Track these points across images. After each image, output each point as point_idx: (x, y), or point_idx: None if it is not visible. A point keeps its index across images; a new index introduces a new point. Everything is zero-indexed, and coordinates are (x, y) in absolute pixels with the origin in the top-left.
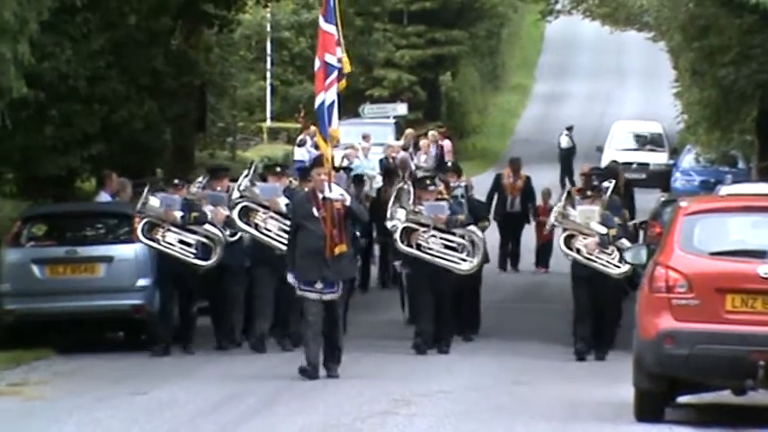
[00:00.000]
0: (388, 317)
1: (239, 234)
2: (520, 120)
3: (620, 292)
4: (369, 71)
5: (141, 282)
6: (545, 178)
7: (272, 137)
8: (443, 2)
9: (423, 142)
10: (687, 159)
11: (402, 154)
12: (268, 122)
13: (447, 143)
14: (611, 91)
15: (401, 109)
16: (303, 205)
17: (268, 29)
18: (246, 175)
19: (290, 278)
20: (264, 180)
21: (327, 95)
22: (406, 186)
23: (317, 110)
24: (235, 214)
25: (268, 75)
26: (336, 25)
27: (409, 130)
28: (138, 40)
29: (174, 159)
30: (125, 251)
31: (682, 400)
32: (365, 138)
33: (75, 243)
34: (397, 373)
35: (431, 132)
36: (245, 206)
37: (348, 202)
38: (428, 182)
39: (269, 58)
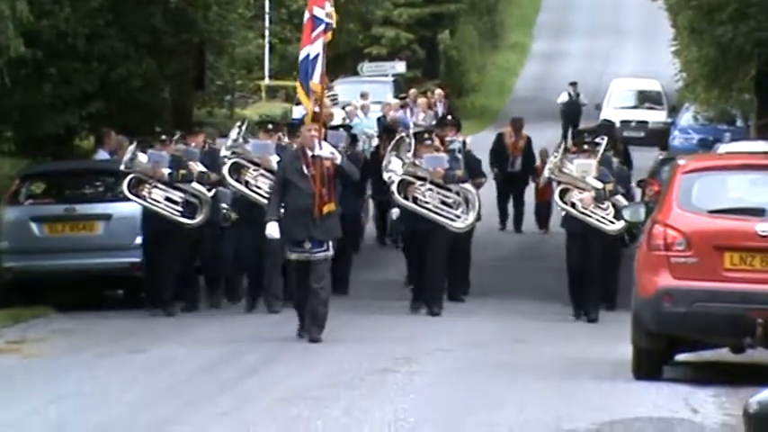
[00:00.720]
0: (386, 276)
1: (213, 191)
2: (518, 78)
3: (616, 249)
4: (367, 29)
5: (140, 239)
6: (544, 136)
7: (271, 95)
8: None
9: (420, 100)
10: (685, 117)
11: (392, 114)
12: (266, 80)
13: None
14: (609, 49)
15: (399, 67)
16: (292, 163)
17: None
18: (238, 132)
19: (271, 228)
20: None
21: (312, 48)
22: (406, 138)
23: (301, 63)
24: (225, 170)
25: (266, 32)
26: None
27: (413, 90)
28: None
29: (173, 117)
30: (124, 209)
31: (680, 357)
32: (363, 96)
33: (73, 201)
34: (397, 333)
35: (437, 91)
36: (235, 162)
37: (338, 161)
38: (426, 136)
39: (267, 16)
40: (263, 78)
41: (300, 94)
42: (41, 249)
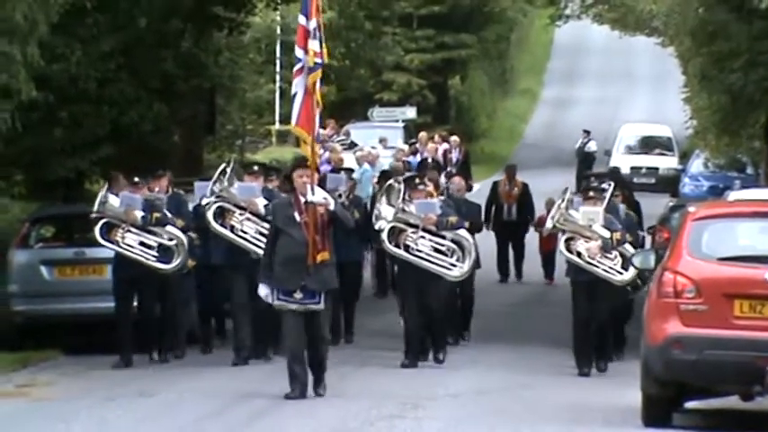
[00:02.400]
0: (387, 324)
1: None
2: (528, 124)
3: (624, 297)
4: (378, 75)
5: None
6: (553, 183)
7: (281, 140)
8: (453, 6)
9: (429, 146)
10: (696, 164)
11: (393, 162)
12: (277, 125)
13: (445, 146)
14: (620, 96)
15: (410, 113)
16: (284, 210)
17: (278, 32)
18: (222, 174)
19: (263, 290)
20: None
21: (292, 88)
22: (396, 184)
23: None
24: (210, 215)
25: (277, 78)
26: (310, 17)
27: (422, 134)
28: (147, 43)
29: (183, 162)
30: None
31: (689, 405)
32: (382, 141)
33: (83, 244)
34: (404, 378)
35: (453, 138)
36: (220, 206)
37: (332, 207)
38: (417, 180)
39: (278, 61)
40: (273, 123)
41: (301, 135)
42: (51, 293)
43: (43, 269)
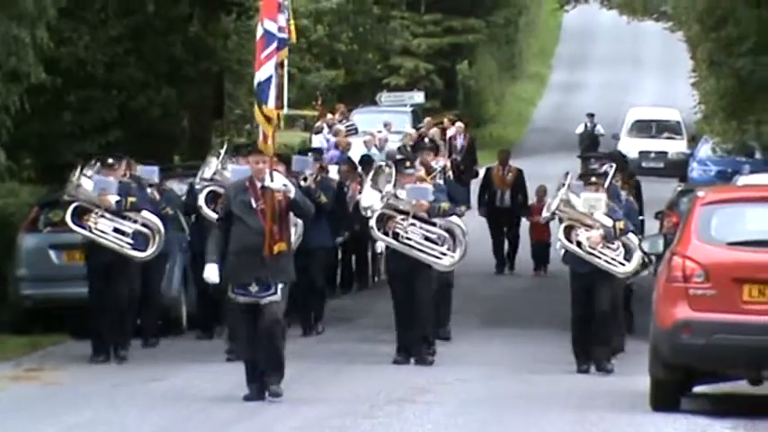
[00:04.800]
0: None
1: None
2: (537, 108)
3: (624, 292)
4: (386, 59)
5: None
6: (562, 167)
7: (290, 124)
8: None
9: (433, 129)
10: (704, 149)
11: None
12: (285, 110)
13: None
14: (628, 81)
15: (418, 97)
16: (237, 195)
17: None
18: (218, 157)
19: (211, 270)
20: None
21: (263, 71)
22: (386, 168)
23: (257, 87)
24: (201, 200)
25: (285, 62)
26: None
27: (428, 119)
28: (156, 27)
29: (191, 146)
30: None
31: (698, 389)
32: (386, 125)
33: None
34: (413, 364)
35: (458, 124)
36: (212, 191)
37: (292, 194)
38: (407, 164)
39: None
40: (281, 107)
41: (258, 118)
42: (60, 277)
43: (52, 253)
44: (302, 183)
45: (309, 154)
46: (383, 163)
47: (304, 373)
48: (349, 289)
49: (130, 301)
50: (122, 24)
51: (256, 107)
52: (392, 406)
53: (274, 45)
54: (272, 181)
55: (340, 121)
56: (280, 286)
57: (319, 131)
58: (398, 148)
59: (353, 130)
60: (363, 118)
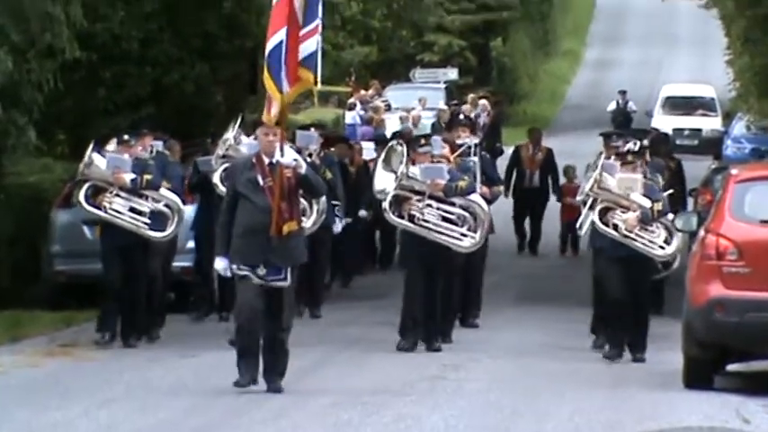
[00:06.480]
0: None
1: None
2: (570, 86)
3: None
4: (419, 36)
5: (191, 243)
6: (595, 146)
7: (323, 100)
8: None
9: (464, 107)
10: (738, 127)
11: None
12: (319, 86)
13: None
14: (662, 58)
15: (452, 74)
16: (244, 172)
17: None
18: (232, 131)
19: (220, 263)
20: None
21: (307, 44)
22: (399, 147)
23: (271, 52)
24: (216, 178)
25: (319, 38)
26: None
27: (471, 95)
28: (190, 3)
29: (225, 122)
30: None
31: (731, 367)
32: (421, 101)
33: None
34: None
35: (482, 102)
36: (227, 168)
37: (303, 170)
38: (422, 141)
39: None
40: (315, 83)
41: (272, 90)
42: (93, 253)
43: (85, 229)
44: (307, 158)
45: (312, 129)
46: (395, 142)
47: (332, 355)
48: (386, 265)
49: (153, 282)
50: (157, 0)
51: (266, 74)
52: (424, 383)
53: (317, 20)
54: (282, 156)
55: (372, 97)
56: (290, 270)
57: (352, 108)
58: (432, 125)
59: (387, 107)
60: (397, 94)
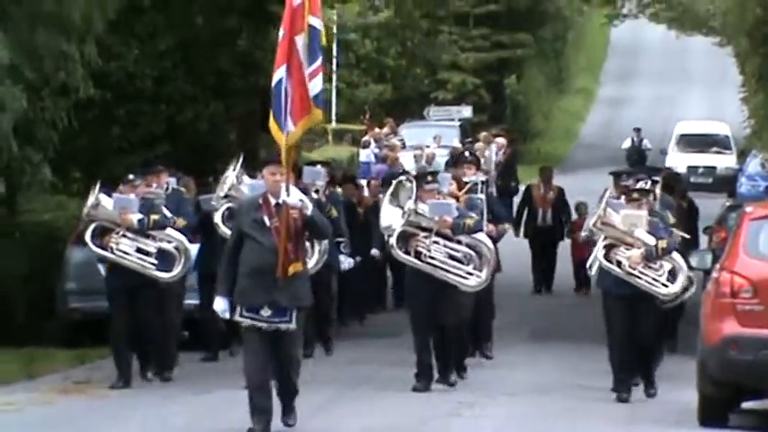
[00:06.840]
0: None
1: None
2: (584, 124)
3: (665, 315)
4: (433, 74)
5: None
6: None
7: (337, 138)
8: (509, 5)
9: (477, 144)
10: (753, 164)
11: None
12: (333, 124)
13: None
14: (676, 95)
15: (466, 112)
16: (250, 211)
17: (334, 30)
18: (233, 171)
19: (220, 304)
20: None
21: (314, 82)
22: (407, 183)
23: (274, 88)
24: (218, 217)
25: (334, 77)
26: None
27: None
28: (204, 41)
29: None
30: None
31: (746, 405)
32: (436, 139)
33: None
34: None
35: (498, 140)
36: (230, 208)
37: (309, 211)
38: (429, 178)
39: (335, 60)
40: (329, 122)
41: (274, 130)
42: None
43: (100, 266)
44: (313, 195)
45: (319, 165)
46: (403, 178)
47: (345, 392)
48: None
49: (165, 323)
50: (171, 38)
51: (271, 119)
52: (438, 421)
53: (319, 60)
54: (288, 195)
55: (387, 135)
56: (295, 312)
57: (367, 146)
58: (446, 162)
59: (402, 145)
60: (411, 132)
